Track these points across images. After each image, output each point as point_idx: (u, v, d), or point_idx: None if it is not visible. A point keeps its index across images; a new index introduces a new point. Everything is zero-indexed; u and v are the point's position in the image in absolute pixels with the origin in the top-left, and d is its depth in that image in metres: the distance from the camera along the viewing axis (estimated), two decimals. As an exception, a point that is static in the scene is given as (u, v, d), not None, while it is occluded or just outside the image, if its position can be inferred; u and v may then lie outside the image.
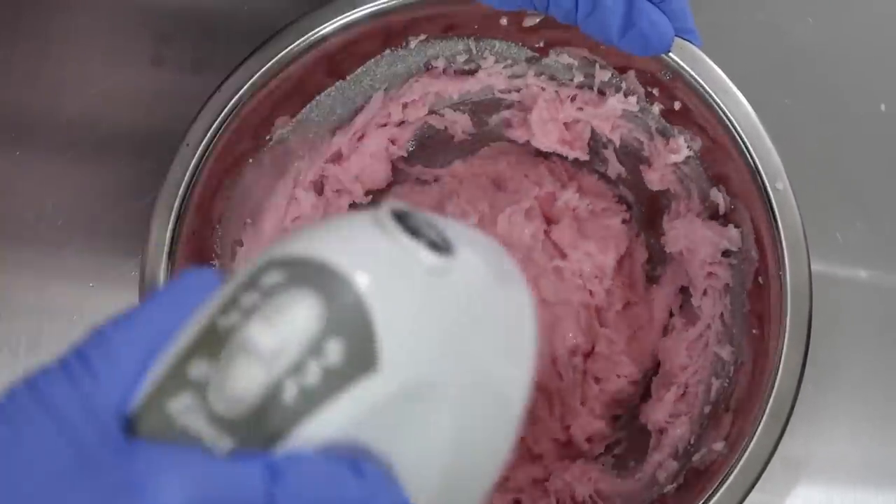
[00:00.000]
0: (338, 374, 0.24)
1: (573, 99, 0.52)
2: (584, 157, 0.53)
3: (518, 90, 0.52)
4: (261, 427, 0.23)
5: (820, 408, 0.55)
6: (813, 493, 0.54)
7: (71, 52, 0.59)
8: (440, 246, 0.26)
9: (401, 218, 0.26)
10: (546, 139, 0.53)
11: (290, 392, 0.23)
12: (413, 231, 0.26)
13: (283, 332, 0.23)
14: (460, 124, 0.54)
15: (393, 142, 0.54)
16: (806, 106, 0.58)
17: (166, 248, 0.45)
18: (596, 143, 0.54)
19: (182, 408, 0.24)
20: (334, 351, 0.23)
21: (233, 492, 0.22)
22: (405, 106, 0.52)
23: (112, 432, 0.23)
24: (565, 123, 0.53)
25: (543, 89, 0.51)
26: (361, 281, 0.24)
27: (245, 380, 0.23)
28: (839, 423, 0.55)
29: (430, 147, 0.55)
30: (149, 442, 0.23)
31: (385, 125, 0.53)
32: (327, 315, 0.24)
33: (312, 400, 0.23)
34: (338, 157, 0.53)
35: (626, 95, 0.50)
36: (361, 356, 0.24)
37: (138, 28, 0.60)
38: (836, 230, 0.57)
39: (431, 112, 0.53)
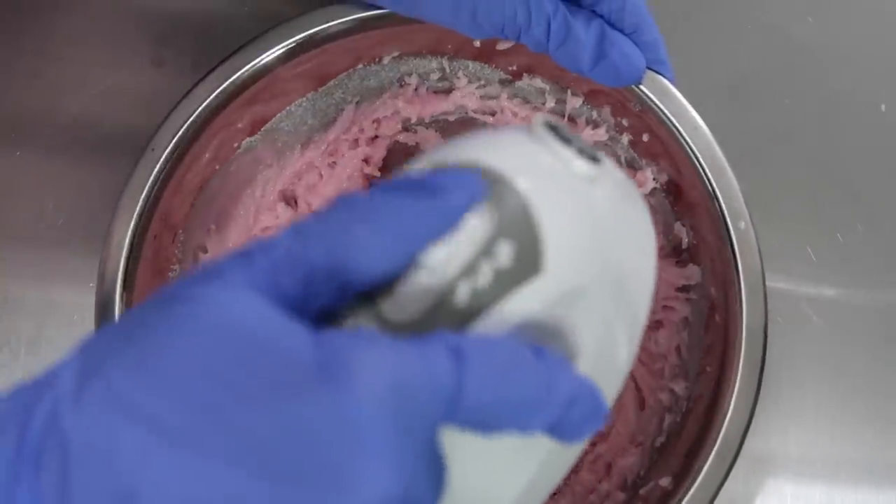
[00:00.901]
0: (507, 276, 0.25)
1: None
2: None
3: (493, 114, 0.52)
4: (432, 328, 0.24)
5: (821, 408, 0.55)
6: (813, 493, 0.54)
7: (71, 52, 0.59)
8: (589, 156, 0.27)
9: (552, 130, 0.27)
10: None
11: (462, 294, 0.24)
12: (564, 141, 0.27)
13: (458, 234, 0.24)
14: (432, 142, 0.54)
15: (367, 161, 0.54)
16: (805, 106, 0.58)
17: (125, 252, 0.45)
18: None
19: (351, 314, 0.24)
20: (504, 253, 0.25)
21: (425, 374, 0.22)
22: (377, 122, 0.52)
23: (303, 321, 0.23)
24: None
25: (516, 115, 0.51)
26: (525, 186, 0.26)
27: (420, 283, 0.24)
28: (840, 422, 0.55)
29: (400, 161, 0.55)
30: (336, 330, 0.23)
31: (357, 142, 0.53)
32: (497, 218, 0.25)
33: (483, 301, 0.24)
34: (312, 175, 0.53)
35: (595, 126, 0.50)
36: (529, 258, 0.25)
37: (138, 29, 0.60)
38: (835, 231, 0.57)
39: (404, 129, 0.53)
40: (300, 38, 0.47)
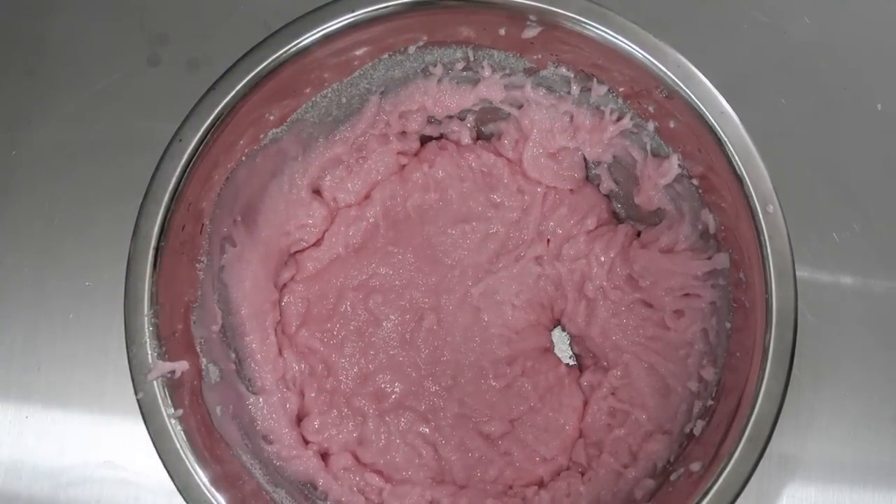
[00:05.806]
0: None
1: (571, 119, 0.52)
2: (576, 186, 0.54)
3: (519, 106, 0.52)
4: None
5: (818, 408, 0.55)
6: (809, 493, 0.54)
7: (69, 51, 0.59)
8: None
9: None
10: (539, 175, 0.53)
11: None
12: None
13: None
14: (457, 131, 0.54)
15: (404, 154, 0.54)
16: (802, 105, 0.58)
17: (153, 242, 0.45)
18: (588, 163, 0.54)
19: None
20: None
21: None
22: (403, 117, 0.52)
23: None
24: (557, 151, 0.53)
25: (540, 105, 0.51)
26: None
27: None
28: (836, 422, 0.55)
29: (432, 151, 0.55)
30: None
31: (386, 137, 0.53)
32: None
33: None
34: (339, 169, 0.53)
35: (620, 115, 0.50)
36: None
37: (134, 28, 0.61)
38: (832, 230, 0.57)
39: (429, 122, 0.54)
40: (322, 30, 0.47)
